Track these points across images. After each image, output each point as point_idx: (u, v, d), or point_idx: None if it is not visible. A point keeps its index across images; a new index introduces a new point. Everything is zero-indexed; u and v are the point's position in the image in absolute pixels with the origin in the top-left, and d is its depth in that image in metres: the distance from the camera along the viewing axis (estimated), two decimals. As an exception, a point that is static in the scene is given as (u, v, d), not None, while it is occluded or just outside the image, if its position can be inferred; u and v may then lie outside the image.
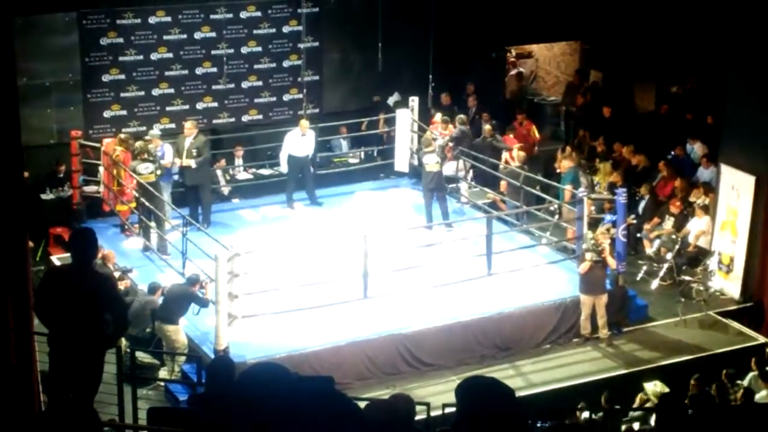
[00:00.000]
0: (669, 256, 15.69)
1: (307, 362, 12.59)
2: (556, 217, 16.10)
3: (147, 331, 13.14)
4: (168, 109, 17.83)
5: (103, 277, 8.04)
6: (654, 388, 12.41)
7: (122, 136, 16.09)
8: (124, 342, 12.89)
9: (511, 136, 18.44)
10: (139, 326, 13.10)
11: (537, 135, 19.17)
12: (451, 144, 16.99)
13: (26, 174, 13.73)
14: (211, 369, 5.88)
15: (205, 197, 16.06)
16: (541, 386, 13.12)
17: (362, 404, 4.90)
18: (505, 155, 17.70)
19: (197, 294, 12.81)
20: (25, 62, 15.54)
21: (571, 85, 21.73)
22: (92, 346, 7.40)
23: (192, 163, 15.78)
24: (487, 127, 18.17)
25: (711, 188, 16.12)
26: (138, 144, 15.40)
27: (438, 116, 17.98)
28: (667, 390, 12.12)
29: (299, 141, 16.78)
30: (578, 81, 21.61)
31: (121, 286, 13.60)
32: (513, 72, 22.56)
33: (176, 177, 16.14)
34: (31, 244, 13.74)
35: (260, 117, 18.59)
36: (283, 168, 16.94)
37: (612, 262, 14.09)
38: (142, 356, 12.70)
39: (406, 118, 17.60)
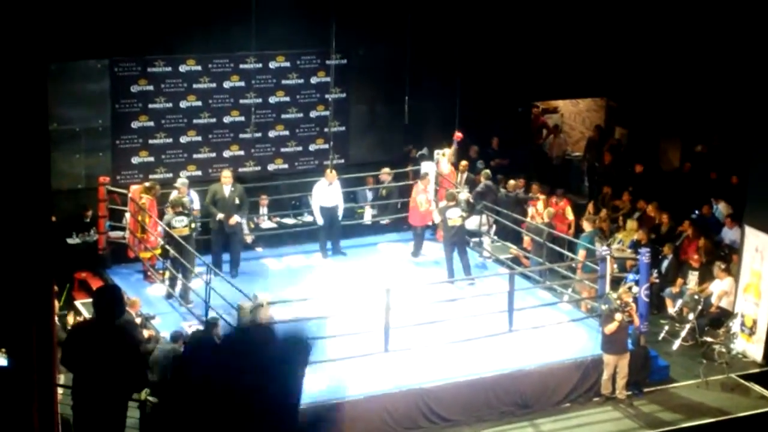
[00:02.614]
0: (691, 316, 15.64)
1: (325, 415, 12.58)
2: (577, 275, 16.09)
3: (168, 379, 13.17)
4: (195, 156, 17.99)
5: (127, 336, 8.10)
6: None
7: (147, 184, 16.23)
8: (144, 390, 12.94)
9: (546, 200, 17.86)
10: (160, 374, 13.12)
11: (571, 216, 18.01)
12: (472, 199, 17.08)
13: (53, 218, 13.94)
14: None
15: (237, 244, 16.18)
16: (561, 445, 13.07)
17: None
18: (531, 210, 17.76)
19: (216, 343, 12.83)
20: (56, 107, 15.76)
21: (591, 141, 21.83)
22: (113, 398, 7.46)
23: (239, 219, 15.94)
24: (511, 182, 18.24)
25: (734, 250, 16.08)
26: (172, 197, 15.48)
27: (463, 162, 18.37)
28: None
29: (327, 191, 16.88)
30: (597, 137, 21.71)
31: (145, 333, 13.71)
32: (551, 134, 22.52)
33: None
34: (55, 288, 13.90)
35: (286, 166, 18.73)
36: (319, 220, 16.96)
37: (637, 320, 14.09)
38: (162, 404, 12.72)
39: (430, 171, 17.68)
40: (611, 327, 13.75)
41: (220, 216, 15.86)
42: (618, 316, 13.71)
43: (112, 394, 7.48)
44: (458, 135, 18.34)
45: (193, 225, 15.28)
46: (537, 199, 17.90)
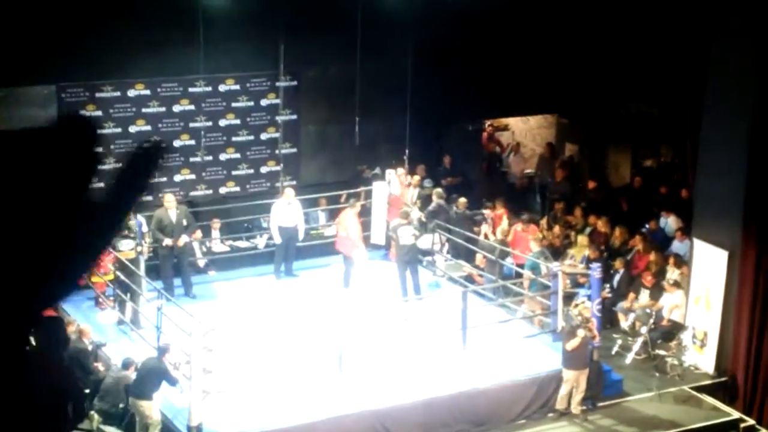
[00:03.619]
0: (643, 330, 15.75)
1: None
2: (529, 292, 16.13)
3: (120, 406, 13.04)
4: (145, 181, 17.85)
5: (63, 369, 7.97)
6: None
7: (100, 207, 16.06)
8: (96, 418, 12.82)
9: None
10: (111, 402, 13.00)
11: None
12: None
13: (1, 247, 13.77)
14: None
15: (187, 266, 16.11)
16: (517, 462, 13.09)
17: None
18: (484, 229, 17.85)
19: (168, 371, 12.72)
20: (3, 135, 15.57)
21: (542, 158, 21.99)
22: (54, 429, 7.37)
23: (188, 239, 15.93)
24: (461, 199, 18.28)
25: (684, 261, 16.23)
26: (118, 221, 15.35)
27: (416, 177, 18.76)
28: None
29: (286, 210, 16.83)
30: (549, 153, 21.88)
31: (97, 365, 13.58)
32: (512, 152, 22.62)
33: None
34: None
35: (238, 189, 18.68)
36: (276, 239, 16.90)
37: (597, 336, 14.17)
38: (114, 433, 12.61)
39: (382, 191, 17.69)
40: (573, 343, 13.78)
41: (167, 242, 15.75)
42: (581, 332, 13.76)
43: (51, 427, 7.39)
44: (400, 172, 18.43)
45: (139, 248, 15.14)
46: (494, 213, 17.99)
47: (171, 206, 15.91)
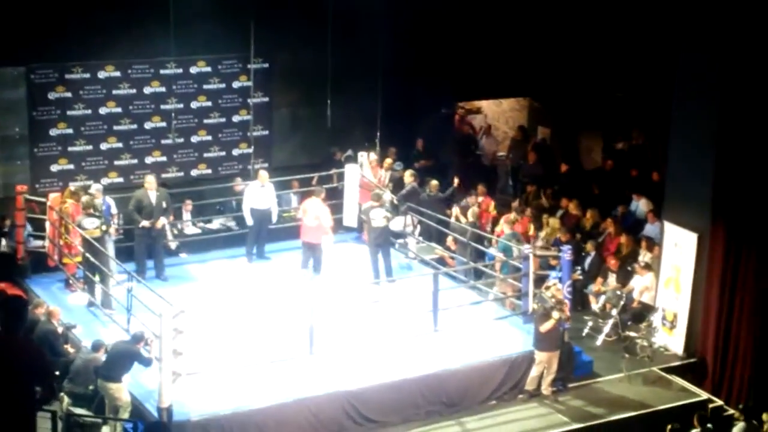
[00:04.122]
0: (614, 312, 15.84)
1: (251, 420, 12.54)
2: (501, 274, 16.18)
3: (90, 388, 12.98)
4: (116, 163, 17.80)
5: (32, 349, 7.92)
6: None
7: (72, 188, 16.02)
8: (66, 400, 12.77)
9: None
10: (81, 384, 12.94)
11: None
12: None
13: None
14: None
15: (161, 248, 16.05)
16: (487, 443, 13.15)
17: None
18: (455, 211, 17.87)
19: (140, 353, 12.68)
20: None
21: (514, 141, 22.03)
22: (20, 412, 7.33)
23: (165, 221, 15.89)
24: (433, 182, 18.28)
25: (655, 244, 16.32)
26: (84, 199, 15.28)
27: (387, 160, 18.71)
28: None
29: (259, 193, 16.78)
30: (521, 137, 21.91)
31: (67, 347, 13.53)
32: (484, 135, 22.63)
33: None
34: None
35: (209, 171, 18.62)
36: (249, 221, 16.86)
37: (569, 317, 14.24)
38: (83, 414, 12.54)
39: (354, 174, 17.67)
40: (547, 325, 13.82)
41: (144, 223, 15.67)
42: (555, 314, 13.80)
43: (18, 407, 7.35)
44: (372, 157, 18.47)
45: (104, 227, 15.04)
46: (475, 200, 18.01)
47: (151, 188, 15.84)
